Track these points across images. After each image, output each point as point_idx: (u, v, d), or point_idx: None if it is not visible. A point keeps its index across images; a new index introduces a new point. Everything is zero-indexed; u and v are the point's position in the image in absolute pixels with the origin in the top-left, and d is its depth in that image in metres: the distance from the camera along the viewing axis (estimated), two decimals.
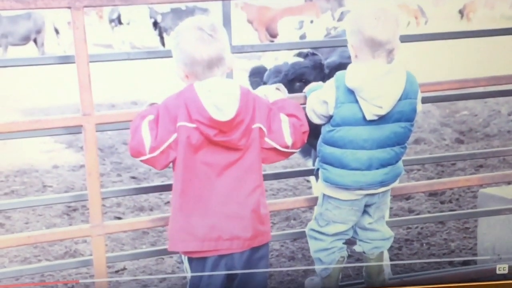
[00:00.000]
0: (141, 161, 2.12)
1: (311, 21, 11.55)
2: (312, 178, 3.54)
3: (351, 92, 2.17)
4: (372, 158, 2.24)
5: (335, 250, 2.41)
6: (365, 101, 2.15)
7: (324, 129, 2.28)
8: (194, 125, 2.03)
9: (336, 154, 2.25)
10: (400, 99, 2.18)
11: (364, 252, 2.48)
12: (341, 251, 2.42)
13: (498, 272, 2.39)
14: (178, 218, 2.14)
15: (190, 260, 2.17)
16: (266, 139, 2.13)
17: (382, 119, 2.19)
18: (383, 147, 2.24)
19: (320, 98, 2.25)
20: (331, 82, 2.24)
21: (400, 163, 2.35)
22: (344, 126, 2.21)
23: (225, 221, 2.10)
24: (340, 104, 2.19)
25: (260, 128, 2.10)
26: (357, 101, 2.17)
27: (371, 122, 2.19)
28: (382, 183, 2.30)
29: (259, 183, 2.15)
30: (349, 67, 2.20)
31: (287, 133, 2.14)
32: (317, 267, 2.46)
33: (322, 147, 2.30)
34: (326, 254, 2.41)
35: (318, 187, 2.42)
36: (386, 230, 2.49)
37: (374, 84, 2.14)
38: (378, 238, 2.46)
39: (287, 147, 2.16)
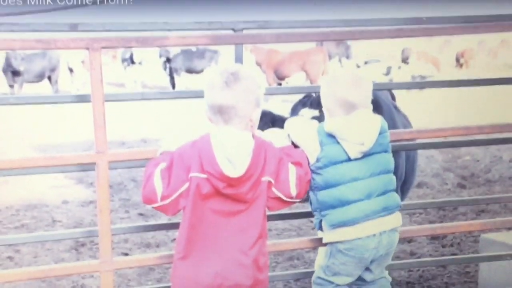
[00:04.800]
0: (153, 207, 2.17)
1: None
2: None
3: (331, 136, 2.30)
4: (369, 186, 2.31)
5: None
6: (346, 142, 2.28)
7: (312, 179, 2.33)
8: (205, 176, 2.07)
9: (334, 194, 2.31)
10: (379, 133, 2.32)
11: None
12: None
13: None
14: (182, 265, 2.17)
15: None
16: (273, 189, 2.17)
17: (365, 154, 2.30)
18: (376, 175, 2.33)
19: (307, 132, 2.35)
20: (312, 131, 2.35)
21: (396, 194, 2.42)
22: (331, 166, 2.29)
23: (228, 269, 2.14)
24: (324, 146, 2.30)
25: (269, 181, 2.15)
26: (339, 142, 2.29)
27: (356, 158, 2.30)
28: (386, 209, 2.34)
29: (261, 234, 2.18)
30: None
31: (293, 184, 2.20)
32: None
33: (317, 196, 2.35)
34: None
35: (324, 237, 2.44)
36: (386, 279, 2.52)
37: (351, 124, 2.27)
38: None
39: (291, 197, 2.22)
